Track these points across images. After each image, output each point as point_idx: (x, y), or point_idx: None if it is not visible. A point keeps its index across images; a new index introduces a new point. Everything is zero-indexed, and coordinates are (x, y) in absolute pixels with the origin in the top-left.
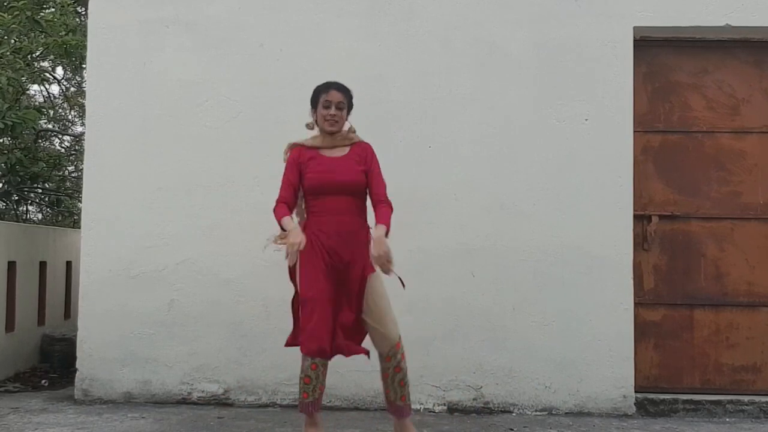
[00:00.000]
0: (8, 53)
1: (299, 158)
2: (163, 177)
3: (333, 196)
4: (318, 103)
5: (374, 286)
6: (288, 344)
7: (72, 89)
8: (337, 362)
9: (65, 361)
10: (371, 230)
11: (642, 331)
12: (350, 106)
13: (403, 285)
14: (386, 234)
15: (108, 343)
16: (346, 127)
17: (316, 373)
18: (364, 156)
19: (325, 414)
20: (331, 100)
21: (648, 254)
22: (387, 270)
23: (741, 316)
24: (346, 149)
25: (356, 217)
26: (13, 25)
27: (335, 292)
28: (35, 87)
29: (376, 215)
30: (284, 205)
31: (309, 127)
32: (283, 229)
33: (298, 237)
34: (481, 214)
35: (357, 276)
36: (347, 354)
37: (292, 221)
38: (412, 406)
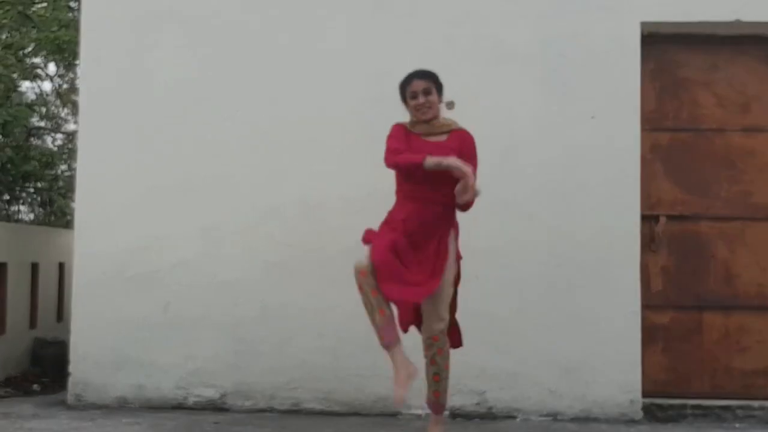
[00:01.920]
0: None
1: (404, 133)
2: (158, 176)
3: (426, 182)
4: (406, 98)
5: (447, 274)
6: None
7: (64, 86)
8: (337, 366)
9: (57, 365)
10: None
11: (650, 334)
12: (439, 87)
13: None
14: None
15: (101, 346)
16: (442, 114)
17: (365, 293)
18: (460, 146)
19: (325, 419)
20: (416, 90)
21: (656, 255)
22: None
23: (752, 319)
24: (444, 136)
25: (443, 207)
26: (4, 21)
27: (409, 255)
28: (27, 84)
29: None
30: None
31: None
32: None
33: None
34: (484, 214)
35: (434, 246)
36: (403, 298)
37: (433, 156)
38: (414, 411)
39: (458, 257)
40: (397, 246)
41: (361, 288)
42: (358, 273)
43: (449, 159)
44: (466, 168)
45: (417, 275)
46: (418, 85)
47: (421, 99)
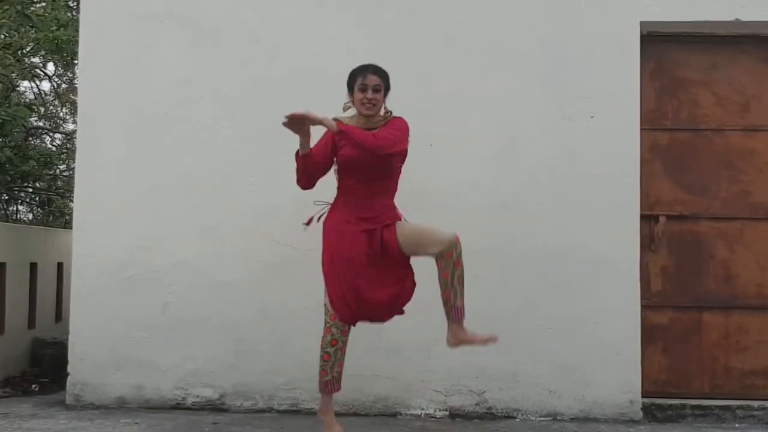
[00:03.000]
0: None
1: (330, 136)
2: (157, 176)
3: (363, 178)
4: (354, 87)
5: (402, 225)
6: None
7: (63, 86)
8: None
9: (56, 365)
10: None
11: (649, 334)
12: (387, 88)
13: None
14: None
15: (100, 346)
16: (382, 112)
17: (335, 349)
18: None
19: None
20: (368, 83)
21: (655, 255)
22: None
23: (751, 319)
24: (377, 130)
25: (384, 199)
26: (3, 20)
27: (361, 266)
28: (25, 83)
29: None
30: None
31: (344, 108)
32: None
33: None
34: (483, 213)
35: (378, 239)
36: (373, 311)
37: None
38: (414, 412)
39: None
40: (352, 287)
41: (327, 338)
42: (329, 343)
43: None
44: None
45: (384, 289)
46: (372, 80)
47: (370, 94)
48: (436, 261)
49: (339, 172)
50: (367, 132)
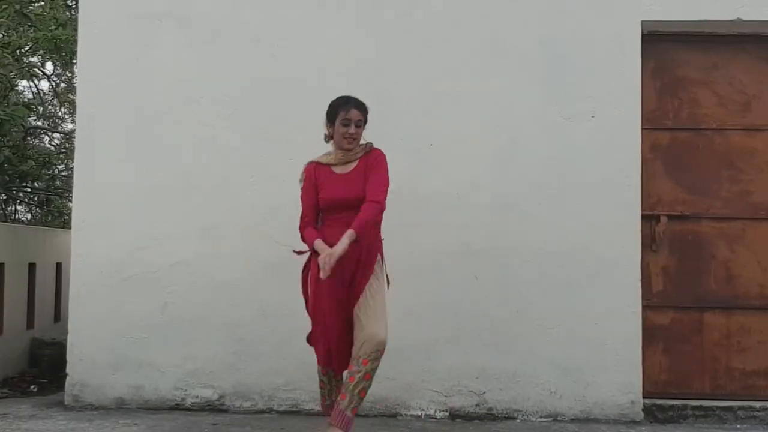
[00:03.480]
0: None
1: (314, 176)
2: (156, 176)
3: (344, 212)
4: (336, 119)
5: (372, 284)
6: (309, 342)
7: (62, 85)
8: None
9: (55, 365)
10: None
11: (650, 334)
12: (366, 122)
13: (388, 283)
14: (355, 239)
15: (99, 347)
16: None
17: (328, 377)
18: (366, 167)
19: (324, 420)
20: (351, 118)
21: (656, 255)
22: (324, 272)
23: (753, 320)
24: (354, 164)
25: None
26: (2, 19)
27: (344, 307)
28: (24, 83)
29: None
30: (311, 227)
31: (326, 139)
32: (315, 252)
33: (334, 256)
34: (484, 214)
35: (361, 286)
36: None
37: (323, 243)
38: (414, 412)
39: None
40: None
41: (318, 366)
42: (320, 372)
43: (332, 251)
44: (330, 253)
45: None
46: (355, 115)
47: (353, 129)
48: (351, 360)
49: (321, 211)
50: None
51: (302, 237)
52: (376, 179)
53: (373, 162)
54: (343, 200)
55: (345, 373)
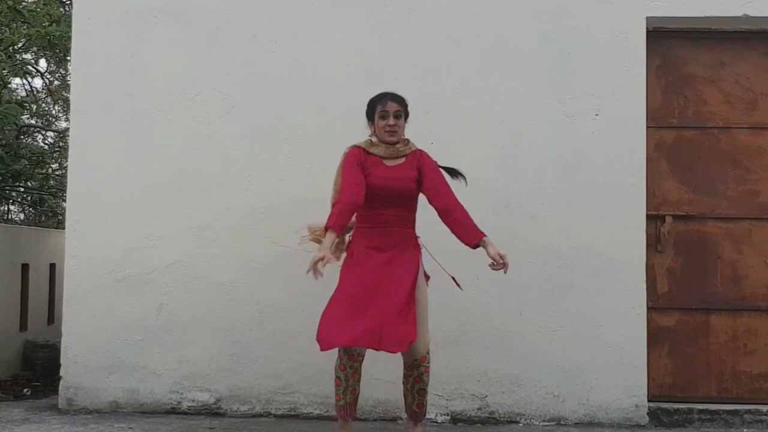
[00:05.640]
0: None
1: (362, 159)
2: (152, 175)
3: (388, 207)
4: (375, 115)
5: (419, 292)
6: (319, 336)
7: (56, 83)
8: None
9: (49, 368)
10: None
11: (655, 337)
12: (407, 114)
13: (459, 286)
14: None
15: (93, 349)
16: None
17: (345, 375)
18: (419, 164)
19: (324, 424)
20: (388, 110)
21: (662, 256)
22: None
23: (760, 322)
24: (402, 159)
25: (406, 229)
26: None
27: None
28: (17, 80)
29: (462, 225)
30: (345, 207)
31: (368, 144)
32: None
33: (323, 253)
34: (486, 214)
35: (402, 273)
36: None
37: (332, 237)
38: None
39: (426, 277)
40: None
41: (336, 362)
42: (338, 368)
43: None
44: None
45: (393, 302)
46: (392, 106)
47: (392, 121)
48: (404, 364)
49: (366, 201)
50: (467, 215)
51: (331, 213)
52: (441, 181)
53: (428, 163)
54: (394, 190)
55: (402, 376)
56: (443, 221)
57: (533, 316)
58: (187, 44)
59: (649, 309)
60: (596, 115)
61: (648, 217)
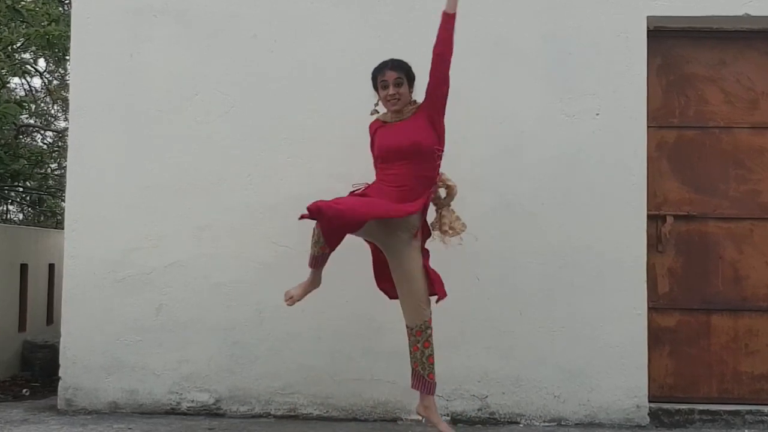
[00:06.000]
0: None
1: (373, 130)
2: (151, 175)
3: (396, 163)
4: (377, 86)
5: (412, 261)
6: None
7: (55, 82)
8: (335, 370)
9: (47, 369)
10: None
11: (656, 337)
12: (411, 78)
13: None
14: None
15: (93, 350)
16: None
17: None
18: (420, 109)
19: (323, 424)
20: (387, 79)
21: (662, 256)
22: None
23: (761, 322)
24: (410, 114)
25: (419, 188)
26: None
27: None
28: (16, 80)
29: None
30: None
31: (372, 112)
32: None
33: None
34: (486, 214)
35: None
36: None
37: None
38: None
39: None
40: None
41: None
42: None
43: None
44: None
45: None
46: (390, 75)
47: (392, 90)
48: (407, 330)
49: (374, 161)
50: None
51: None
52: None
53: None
54: (395, 148)
55: (408, 339)
56: (435, 59)
57: (533, 316)
58: (186, 44)
59: (649, 309)
60: (597, 114)
61: (649, 217)
